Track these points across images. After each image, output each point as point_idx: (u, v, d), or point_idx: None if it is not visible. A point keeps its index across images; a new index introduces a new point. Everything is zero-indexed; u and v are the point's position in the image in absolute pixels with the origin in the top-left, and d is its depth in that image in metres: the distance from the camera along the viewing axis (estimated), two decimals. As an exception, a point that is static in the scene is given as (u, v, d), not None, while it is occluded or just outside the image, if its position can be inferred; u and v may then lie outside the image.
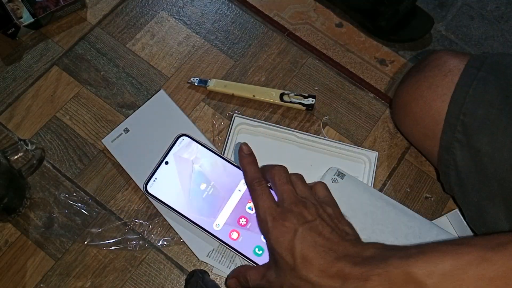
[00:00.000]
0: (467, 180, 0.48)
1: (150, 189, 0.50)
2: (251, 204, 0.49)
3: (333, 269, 0.36)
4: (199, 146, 0.51)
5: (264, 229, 0.42)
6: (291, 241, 0.39)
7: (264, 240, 0.46)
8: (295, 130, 0.58)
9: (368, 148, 0.59)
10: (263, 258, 0.47)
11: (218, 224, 0.48)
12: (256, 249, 0.47)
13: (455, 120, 0.48)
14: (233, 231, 0.48)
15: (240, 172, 0.49)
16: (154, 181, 0.51)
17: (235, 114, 0.59)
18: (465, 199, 0.49)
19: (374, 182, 0.56)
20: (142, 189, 0.51)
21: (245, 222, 0.48)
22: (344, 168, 0.55)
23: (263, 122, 0.58)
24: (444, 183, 0.53)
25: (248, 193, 0.47)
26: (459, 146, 0.48)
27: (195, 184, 0.50)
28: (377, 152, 0.57)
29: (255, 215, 0.45)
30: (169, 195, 0.50)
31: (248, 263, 0.47)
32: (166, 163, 0.51)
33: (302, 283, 0.37)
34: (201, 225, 0.48)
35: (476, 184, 0.47)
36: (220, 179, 0.50)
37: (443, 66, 0.50)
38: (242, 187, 0.50)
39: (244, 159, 0.47)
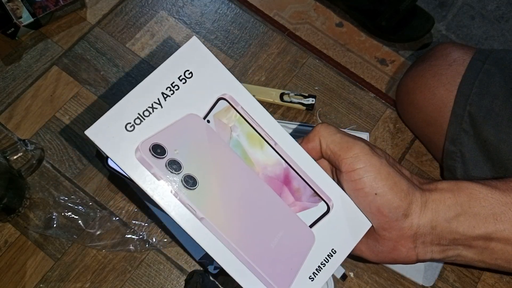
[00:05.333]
0: (474, 173, 0.48)
1: None
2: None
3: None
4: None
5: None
6: None
7: None
8: (288, 122, 0.58)
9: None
10: None
11: None
12: None
13: (462, 111, 0.49)
14: None
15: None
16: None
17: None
18: None
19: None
20: None
21: None
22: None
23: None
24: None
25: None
26: (466, 137, 0.48)
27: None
28: (367, 133, 0.59)
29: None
30: None
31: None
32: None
33: None
34: None
35: (483, 177, 0.48)
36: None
37: (448, 56, 0.52)
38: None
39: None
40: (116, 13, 0.66)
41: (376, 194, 0.31)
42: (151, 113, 0.30)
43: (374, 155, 0.32)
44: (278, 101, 0.60)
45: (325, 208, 0.34)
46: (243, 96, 0.32)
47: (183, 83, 0.31)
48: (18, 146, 0.54)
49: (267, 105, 0.61)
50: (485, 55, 0.50)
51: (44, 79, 0.61)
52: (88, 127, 0.28)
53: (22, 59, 0.62)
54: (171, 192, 0.30)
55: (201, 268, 0.52)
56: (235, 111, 0.32)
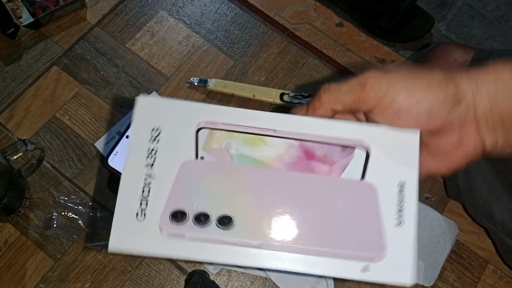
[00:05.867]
0: (475, 173, 0.48)
1: None
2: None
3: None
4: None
5: None
6: None
7: None
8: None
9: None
10: None
11: None
12: None
13: None
14: None
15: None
16: None
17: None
18: (471, 193, 0.50)
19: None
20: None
21: None
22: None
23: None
24: (448, 180, 0.53)
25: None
26: None
27: None
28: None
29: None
30: None
31: None
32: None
33: None
34: None
35: (483, 176, 0.48)
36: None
37: (449, 56, 0.52)
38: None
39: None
40: (116, 13, 0.66)
41: (417, 101, 0.28)
42: (149, 189, 0.29)
43: (389, 72, 0.29)
44: (278, 101, 0.60)
45: (364, 152, 0.30)
46: (215, 113, 0.30)
47: (157, 142, 0.29)
48: (18, 146, 0.53)
49: (267, 105, 0.61)
50: (485, 55, 0.50)
51: (44, 79, 0.61)
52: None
53: (22, 59, 0.62)
54: (218, 242, 0.28)
55: (201, 268, 0.52)
56: (218, 131, 0.30)
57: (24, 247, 0.52)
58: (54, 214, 0.54)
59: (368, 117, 0.31)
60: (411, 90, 0.28)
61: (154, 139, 0.29)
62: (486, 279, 0.54)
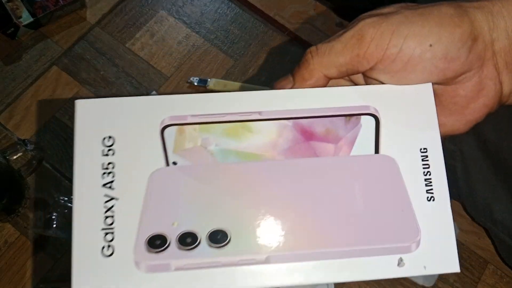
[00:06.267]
0: (474, 172, 0.48)
1: None
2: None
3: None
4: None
5: None
6: None
7: None
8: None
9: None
10: None
11: None
12: None
13: None
14: None
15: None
16: None
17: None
18: (471, 193, 0.49)
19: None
20: None
21: None
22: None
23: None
24: (448, 180, 0.53)
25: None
26: (466, 136, 0.48)
27: None
28: None
29: None
30: None
31: None
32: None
33: None
34: None
35: (483, 176, 0.47)
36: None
37: None
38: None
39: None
40: (116, 13, 0.66)
41: (430, 45, 0.23)
42: (113, 215, 0.22)
43: (388, 15, 0.24)
44: (278, 101, 0.60)
45: (372, 119, 0.25)
46: (180, 104, 0.24)
47: (113, 154, 0.23)
48: (18, 146, 0.53)
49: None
50: None
51: (44, 79, 0.61)
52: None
53: (22, 59, 0.62)
54: (214, 266, 0.22)
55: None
56: (189, 126, 0.24)
57: (24, 247, 0.52)
58: (54, 214, 0.54)
59: (369, 79, 0.27)
60: (420, 34, 0.23)
61: (108, 151, 0.23)
62: (486, 279, 0.54)
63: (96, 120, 0.23)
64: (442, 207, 0.24)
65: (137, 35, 0.64)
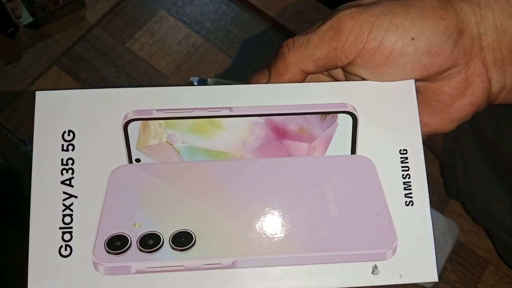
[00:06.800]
0: (474, 172, 0.48)
1: None
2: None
3: None
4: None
5: None
6: None
7: None
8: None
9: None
10: None
11: None
12: None
13: None
14: None
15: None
16: None
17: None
18: (471, 193, 0.49)
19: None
20: None
21: None
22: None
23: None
24: (447, 180, 0.53)
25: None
26: (465, 136, 0.48)
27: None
28: None
29: None
30: None
31: None
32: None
33: None
34: None
35: (483, 176, 0.47)
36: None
37: None
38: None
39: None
40: (115, 13, 0.66)
41: (412, 39, 0.22)
42: (72, 213, 0.21)
43: (367, 6, 0.23)
44: (278, 101, 0.60)
45: (349, 117, 0.23)
46: (144, 97, 0.23)
47: (73, 149, 0.22)
48: (18, 146, 0.53)
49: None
50: None
51: (43, 79, 0.61)
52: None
53: (21, 59, 0.62)
54: (177, 270, 0.21)
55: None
56: (154, 122, 0.22)
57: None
58: (54, 214, 0.54)
59: (349, 75, 0.25)
60: (401, 25, 0.22)
61: (68, 146, 0.22)
62: (486, 279, 0.54)
63: (57, 113, 0.22)
64: (421, 212, 0.22)
65: (137, 35, 0.64)
